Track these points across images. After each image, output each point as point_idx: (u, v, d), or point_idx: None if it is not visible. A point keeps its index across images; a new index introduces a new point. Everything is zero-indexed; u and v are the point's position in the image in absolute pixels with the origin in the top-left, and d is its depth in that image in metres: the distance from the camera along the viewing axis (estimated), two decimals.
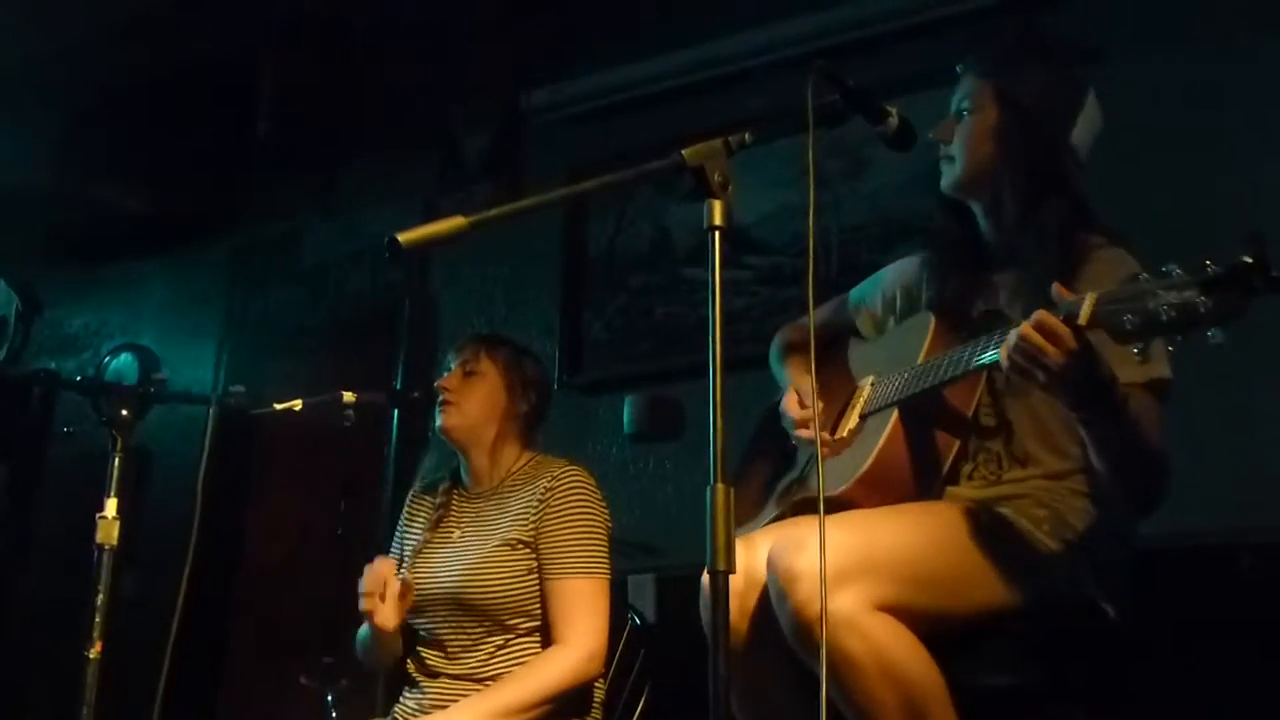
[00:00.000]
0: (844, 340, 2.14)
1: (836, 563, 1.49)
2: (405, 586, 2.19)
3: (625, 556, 2.78)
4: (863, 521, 1.66)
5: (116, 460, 1.94)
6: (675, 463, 3.48)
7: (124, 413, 1.94)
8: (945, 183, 1.93)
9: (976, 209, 1.94)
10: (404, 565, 2.33)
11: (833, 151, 3.29)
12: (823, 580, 1.42)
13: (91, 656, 1.83)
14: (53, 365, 4.99)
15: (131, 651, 2.09)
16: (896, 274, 2.11)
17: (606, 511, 2.26)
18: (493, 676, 2.16)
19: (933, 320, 1.88)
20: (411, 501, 2.45)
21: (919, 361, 1.81)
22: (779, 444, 2.08)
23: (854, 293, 2.18)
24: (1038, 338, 1.47)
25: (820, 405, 1.95)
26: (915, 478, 1.78)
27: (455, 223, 1.32)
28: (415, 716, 2.20)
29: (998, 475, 1.80)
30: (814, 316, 1.56)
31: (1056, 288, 1.51)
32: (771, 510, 1.95)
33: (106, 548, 1.89)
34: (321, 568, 3.12)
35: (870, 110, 1.61)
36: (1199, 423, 2.55)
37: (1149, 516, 1.74)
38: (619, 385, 3.60)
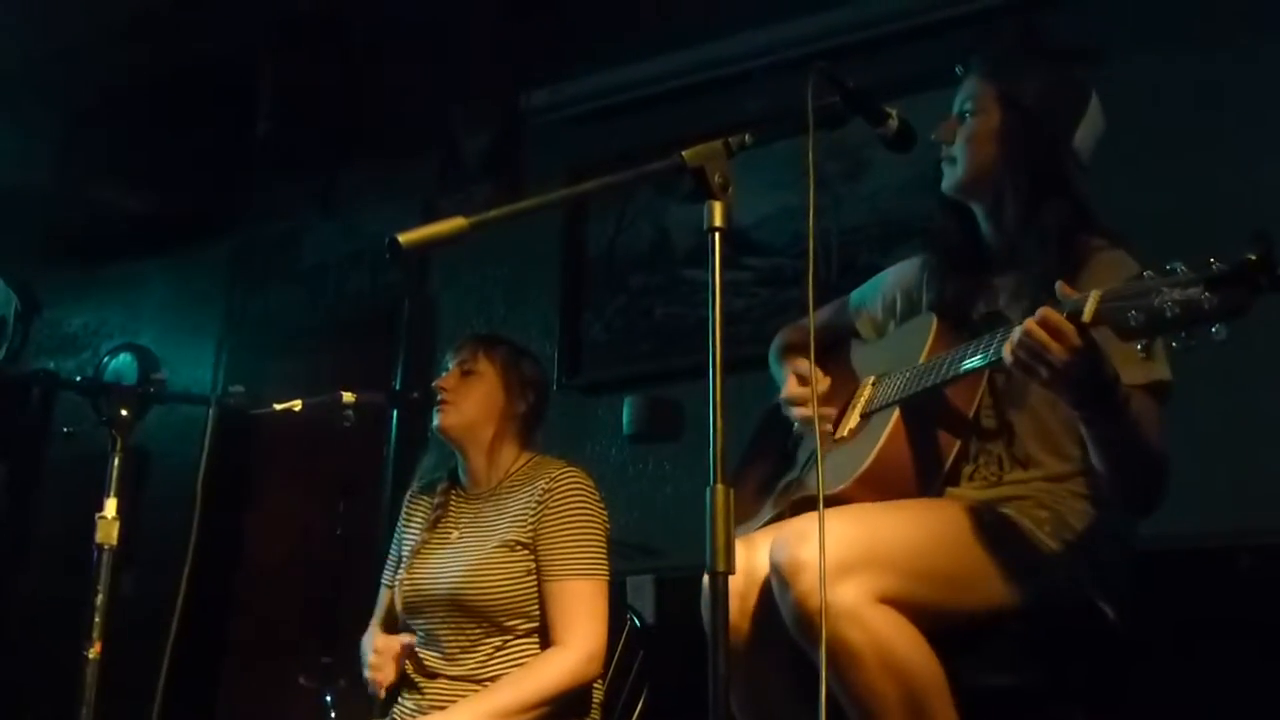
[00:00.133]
0: (845, 343, 2.14)
1: (839, 554, 1.50)
2: (404, 648, 2.19)
3: (624, 557, 2.78)
4: (866, 514, 1.67)
5: (116, 460, 1.94)
6: (674, 464, 3.49)
7: (123, 413, 1.94)
8: (947, 184, 1.93)
9: (978, 210, 1.94)
10: (402, 565, 2.33)
11: (832, 153, 3.30)
12: (822, 573, 1.42)
13: (91, 656, 1.83)
14: (52, 365, 5.00)
15: (130, 651, 2.09)
16: (896, 277, 2.11)
17: (605, 512, 2.25)
18: (491, 677, 2.16)
19: (934, 321, 1.88)
20: (409, 502, 2.45)
21: (921, 361, 1.81)
22: (778, 444, 2.09)
23: (854, 295, 2.18)
24: (1042, 334, 1.47)
25: (824, 385, 1.95)
26: (916, 477, 1.78)
27: (455, 223, 1.32)
28: (414, 717, 2.19)
29: (999, 476, 1.81)
30: (814, 318, 1.56)
31: (1060, 285, 1.51)
32: (770, 510, 1.95)
33: (106, 548, 1.89)
34: (321, 568, 3.11)
35: (870, 112, 1.61)
36: (1199, 424, 2.55)
37: (1148, 517, 1.75)
38: (618, 386, 3.61)
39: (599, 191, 1.49)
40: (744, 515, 1.96)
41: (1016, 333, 1.51)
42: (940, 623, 1.62)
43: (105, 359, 4.76)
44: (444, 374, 2.35)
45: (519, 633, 2.20)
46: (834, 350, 2.12)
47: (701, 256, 1.42)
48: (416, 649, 2.29)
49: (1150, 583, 1.80)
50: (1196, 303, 1.32)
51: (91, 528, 1.93)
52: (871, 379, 1.95)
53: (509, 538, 2.21)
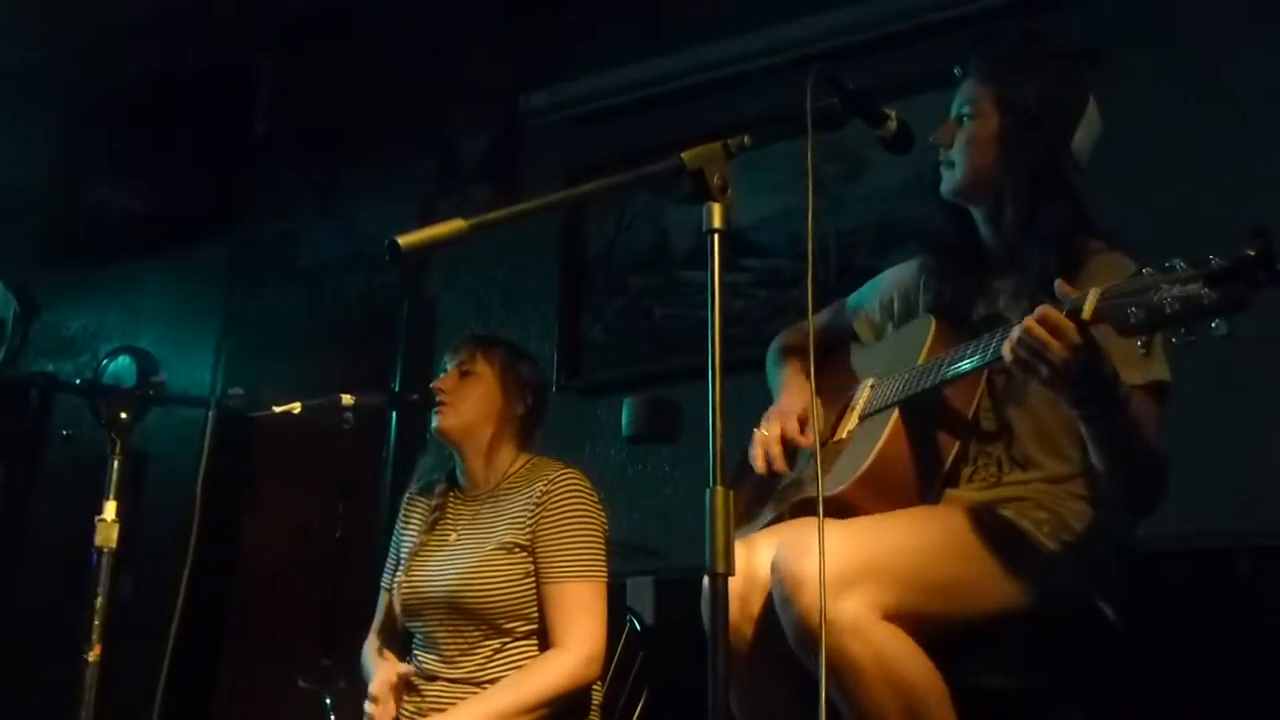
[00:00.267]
0: (843, 346, 2.14)
1: (840, 568, 1.50)
2: (401, 678, 2.18)
3: (623, 559, 2.78)
4: (866, 527, 1.66)
5: (115, 463, 1.94)
6: (674, 465, 3.49)
7: (123, 415, 1.94)
8: (945, 188, 1.93)
9: (977, 214, 1.94)
10: (400, 568, 2.33)
11: (831, 154, 3.30)
12: (821, 583, 1.42)
13: (90, 659, 1.83)
14: (50, 368, 4.99)
15: (129, 654, 2.09)
16: (894, 279, 2.11)
17: (603, 514, 2.25)
18: (491, 680, 2.16)
19: (933, 323, 1.88)
20: (407, 503, 2.44)
21: (919, 363, 1.81)
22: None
23: (851, 298, 2.18)
24: (1042, 332, 1.47)
25: (821, 415, 1.94)
26: (915, 478, 1.78)
27: (455, 225, 1.31)
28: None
29: (998, 478, 1.81)
30: (813, 320, 1.55)
31: (1059, 284, 1.51)
32: (770, 512, 1.95)
33: (105, 550, 1.88)
34: (319, 570, 3.10)
35: (869, 113, 1.61)
36: (1199, 426, 2.55)
37: (1147, 517, 1.75)
38: (617, 387, 3.60)
39: (598, 193, 1.49)
40: (744, 517, 1.96)
41: (1016, 331, 1.51)
42: (942, 631, 1.63)
43: (104, 361, 4.76)
44: (442, 375, 2.35)
45: (518, 635, 2.19)
46: (832, 353, 2.11)
47: (700, 258, 1.42)
48: (415, 651, 2.29)
49: (1150, 584, 1.80)
50: (1196, 298, 1.32)
51: (90, 530, 1.93)
52: (870, 381, 1.94)
53: (507, 540, 2.20)
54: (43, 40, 4.71)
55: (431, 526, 2.34)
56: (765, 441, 1.92)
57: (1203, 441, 2.56)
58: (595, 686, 2.21)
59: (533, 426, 2.39)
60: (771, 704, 1.73)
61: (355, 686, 2.37)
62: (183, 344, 4.69)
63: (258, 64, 4.56)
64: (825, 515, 1.44)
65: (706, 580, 1.56)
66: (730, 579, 1.30)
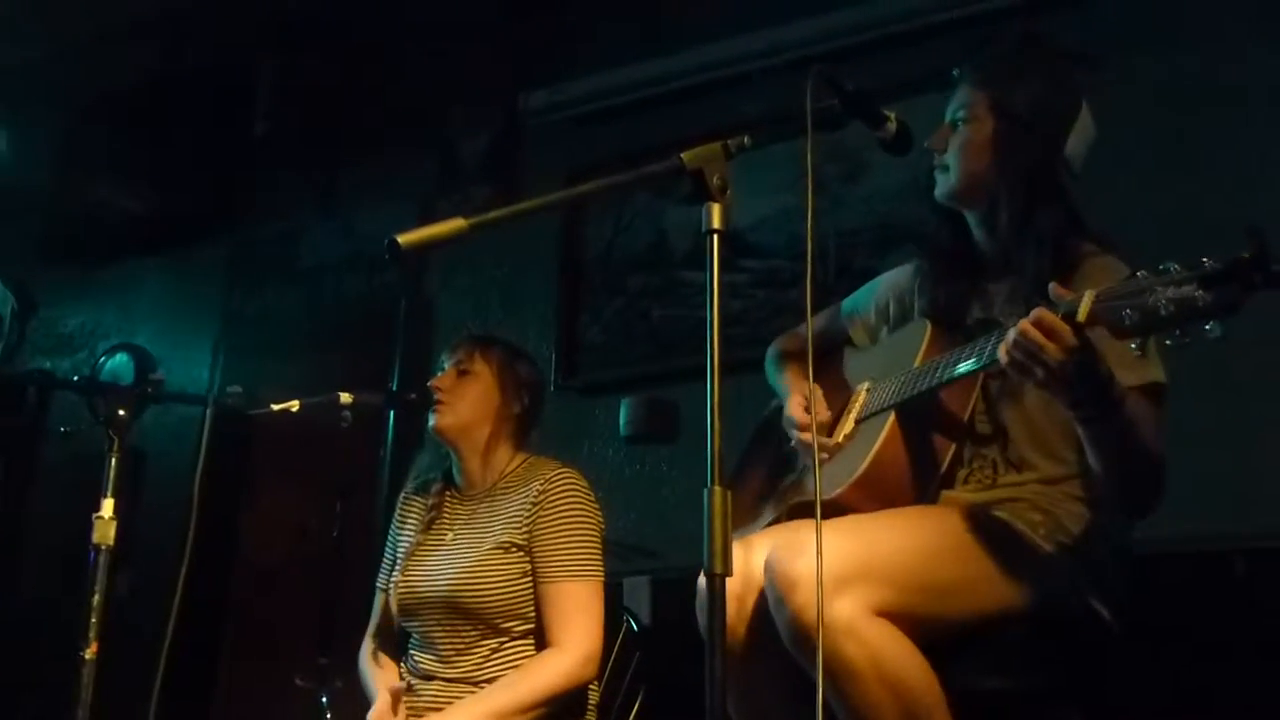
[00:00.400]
0: (839, 350, 2.14)
1: (835, 568, 1.50)
2: (395, 694, 2.18)
3: (621, 559, 2.78)
4: (862, 527, 1.66)
5: (113, 460, 1.93)
6: (671, 465, 3.49)
7: (121, 413, 1.94)
8: (940, 192, 1.94)
9: (971, 218, 1.94)
10: (396, 567, 2.32)
11: (830, 155, 3.30)
12: (819, 585, 1.42)
13: (87, 657, 1.83)
14: (48, 365, 4.99)
15: (126, 652, 2.09)
16: (889, 283, 2.12)
17: (600, 513, 2.25)
18: (488, 679, 2.16)
19: (928, 326, 1.88)
20: (403, 502, 2.44)
21: (915, 366, 1.82)
22: (776, 447, 2.09)
23: (846, 302, 2.19)
24: (1037, 334, 1.48)
25: (822, 416, 1.95)
26: (911, 480, 1.78)
27: (455, 225, 1.31)
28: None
29: (993, 480, 1.81)
30: (811, 321, 1.56)
31: (1054, 287, 1.51)
32: (769, 514, 1.95)
33: (103, 548, 1.88)
34: (317, 569, 3.10)
35: (869, 114, 1.61)
36: (1196, 428, 2.56)
37: (1144, 519, 1.75)
38: (615, 387, 3.60)
39: (598, 193, 1.49)
40: (741, 519, 1.96)
41: (1011, 333, 1.52)
42: (938, 632, 1.63)
43: (101, 359, 4.75)
44: (439, 374, 2.35)
45: (515, 634, 2.19)
46: (827, 358, 2.12)
47: (699, 258, 1.42)
48: (411, 651, 2.29)
49: (1146, 586, 1.80)
50: (1190, 300, 1.33)
51: (87, 528, 1.92)
52: (866, 385, 1.95)
53: (504, 539, 2.20)
54: (43, 40, 4.71)
55: (428, 526, 2.33)
56: (806, 446, 1.93)
57: (1199, 443, 2.56)
58: (592, 686, 2.21)
59: (530, 426, 2.39)
60: (768, 704, 1.73)
61: (352, 685, 2.37)
62: (181, 342, 4.69)
63: (258, 64, 4.56)
64: (822, 518, 1.45)
65: (701, 581, 1.57)
66: (728, 579, 1.30)
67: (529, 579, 2.18)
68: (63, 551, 3.11)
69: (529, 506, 2.21)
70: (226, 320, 4.64)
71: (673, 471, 3.48)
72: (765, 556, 1.67)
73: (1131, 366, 1.61)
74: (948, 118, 1.92)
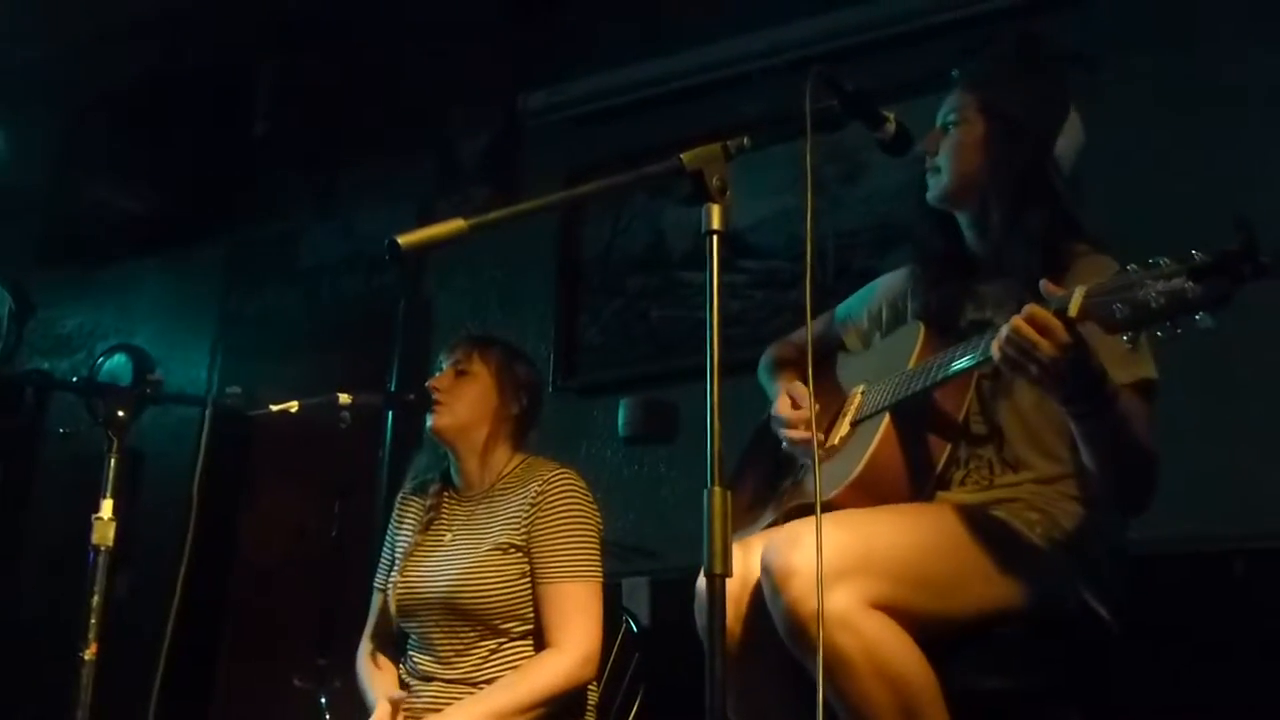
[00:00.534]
0: (832, 356, 2.15)
1: (832, 561, 1.50)
2: (395, 705, 2.18)
3: (620, 560, 2.78)
4: (860, 520, 1.67)
5: (112, 461, 1.93)
6: (670, 466, 3.49)
7: (120, 414, 1.93)
8: (932, 194, 1.96)
9: (963, 220, 1.96)
10: (395, 568, 2.32)
11: (829, 156, 3.30)
12: (819, 582, 1.42)
13: (86, 658, 1.83)
14: (46, 366, 4.99)
15: (125, 653, 2.08)
16: (882, 288, 2.13)
17: (598, 514, 2.25)
18: (487, 680, 2.16)
19: (922, 328, 1.89)
20: (401, 503, 2.44)
21: (909, 368, 1.82)
22: (774, 451, 2.09)
23: (839, 309, 2.20)
24: (1029, 330, 1.49)
25: (816, 407, 1.95)
26: (907, 482, 1.79)
27: (455, 225, 1.32)
28: None
29: (989, 480, 1.82)
30: (811, 322, 1.56)
31: (1045, 284, 1.53)
32: (768, 517, 1.96)
33: (102, 549, 1.88)
34: (316, 569, 3.10)
35: (868, 115, 1.61)
36: (1194, 429, 2.56)
37: (1139, 515, 1.75)
38: (614, 388, 3.61)
39: (597, 194, 1.49)
40: (741, 522, 1.96)
41: (1004, 330, 1.52)
42: (934, 628, 1.63)
43: (100, 360, 4.75)
44: (438, 374, 2.35)
45: (513, 635, 2.19)
46: (821, 364, 2.12)
47: (697, 259, 1.42)
48: (410, 652, 2.29)
49: (1146, 586, 1.81)
50: (1180, 293, 1.34)
51: (86, 529, 1.92)
52: (861, 388, 1.95)
53: (502, 540, 2.20)
54: (43, 40, 4.70)
55: (426, 527, 2.33)
56: (799, 442, 1.93)
57: (1198, 444, 2.57)
58: (591, 687, 2.21)
59: (528, 427, 2.39)
60: (767, 704, 1.73)
61: (351, 686, 2.37)
62: (179, 343, 4.69)
63: (257, 64, 4.56)
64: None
65: (700, 583, 1.57)
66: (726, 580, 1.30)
67: (528, 580, 2.18)
68: (62, 552, 3.11)
69: (527, 507, 2.21)
70: (225, 321, 4.64)
71: (671, 472, 3.48)
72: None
73: (1123, 364, 1.63)
74: (939, 121, 1.95)
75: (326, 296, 4.43)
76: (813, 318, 2.14)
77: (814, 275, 1.58)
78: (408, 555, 2.30)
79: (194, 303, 4.72)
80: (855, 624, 1.54)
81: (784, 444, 2.00)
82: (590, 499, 2.25)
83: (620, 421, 3.46)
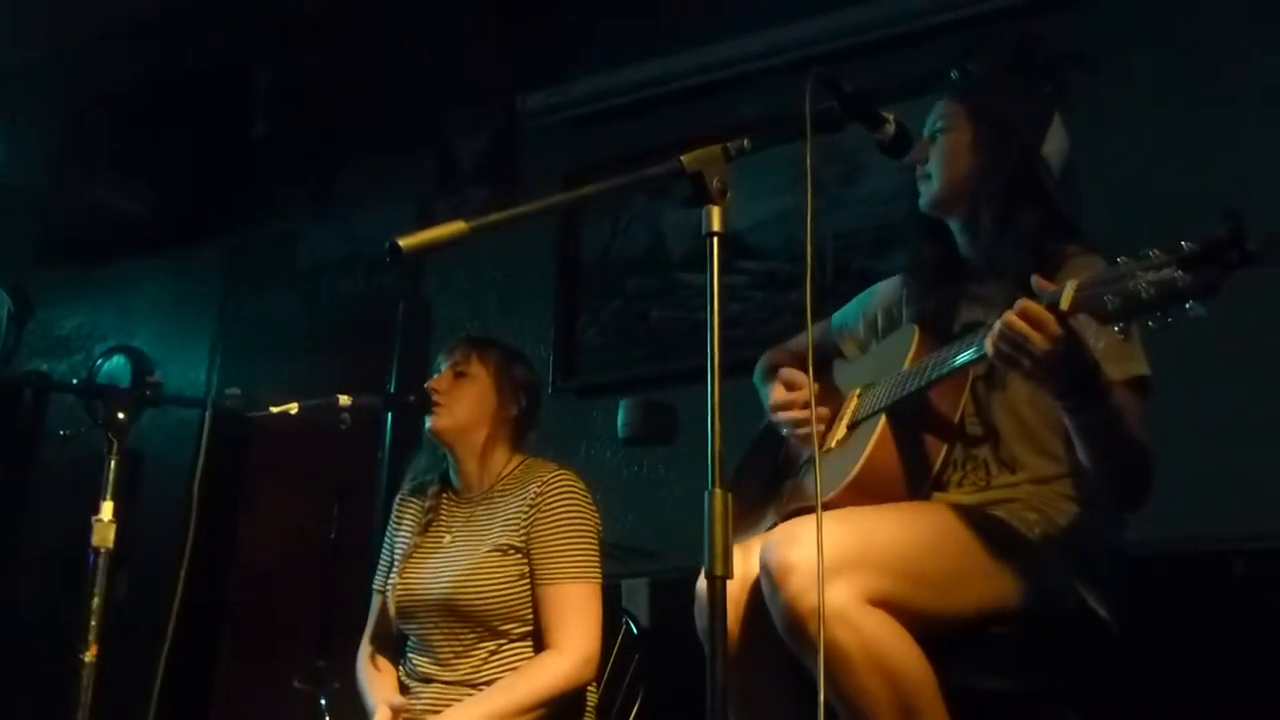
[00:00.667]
0: (828, 364, 2.16)
1: (831, 556, 1.50)
2: (396, 711, 2.18)
3: (619, 561, 2.78)
4: (859, 517, 1.67)
5: (112, 463, 1.93)
6: (669, 467, 3.49)
7: (120, 416, 1.93)
8: (924, 201, 1.98)
9: (954, 225, 1.97)
10: (394, 570, 2.32)
11: (828, 157, 3.31)
12: (820, 579, 1.42)
13: (87, 660, 1.82)
14: (44, 367, 4.98)
15: (125, 655, 2.08)
16: (878, 296, 2.15)
17: (597, 515, 2.25)
18: (487, 682, 2.16)
19: (916, 331, 1.91)
20: (399, 504, 2.44)
21: (905, 368, 1.83)
22: (774, 456, 2.09)
23: (836, 318, 2.22)
24: (1022, 325, 1.50)
25: (816, 388, 1.95)
26: (904, 483, 1.79)
27: (456, 228, 1.31)
28: None
29: (986, 481, 1.82)
30: (811, 324, 1.56)
31: (1036, 279, 1.54)
32: (771, 517, 1.96)
33: (103, 551, 1.88)
34: (315, 571, 3.11)
35: (868, 116, 1.61)
36: (1194, 429, 2.57)
37: (1135, 512, 1.76)
38: (613, 389, 3.60)
39: (598, 196, 1.49)
40: (742, 526, 1.96)
41: (997, 325, 1.54)
42: (932, 625, 1.63)
43: (98, 361, 4.75)
44: (436, 376, 2.35)
45: (513, 637, 2.19)
46: (818, 371, 2.13)
47: (696, 260, 1.42)
48: (409, 654, 2.29)
49: (1145, 586, 1.81)
50: (1170, 282, 1.35)
51: (85, 530, 1.92)
52: (857, 390, 1.96)
53: (502, 542, 2.20)
54: (41, 40, 4.70)
55: (425, 528, 2.33)
56: (795, 423, 1.95)
57: (1198, 444, 2.57)
58: (591, 688, 2.21)
59: (527, 428, 2.39)
60: (767, 705, 1.73)
61: (350, 687, 2.37)
62: (178, 344, 4.68)
63: (256, 65, 4.56)
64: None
65: (700, 585, 1.57)
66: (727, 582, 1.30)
67: (527, 581, 2.18)
68: (61, 554, 3.11)
69: (526, 508, 2.21)
70: (224, 322, 4.64)
71: (670, 473, 3.48)
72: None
73: (1117, 361, 1.64)
74: (926, 130, 1.97)
75: (326, 297, 4.43)
76: (812, 318, 2.15)
77: (814, 277, 1.58)
78: (407, 557, 2.30)
79: (193, 304, 4.72)
80: (853, 619, 1.55)
81: (784, 430, 2.00)
82: (589, 500, 2.25)
83: (619, 422, 3.46)
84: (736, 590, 1.69)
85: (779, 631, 1.61)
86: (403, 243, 1.30)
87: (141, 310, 4.85)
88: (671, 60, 3.72)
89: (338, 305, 4.38)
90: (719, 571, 1.27)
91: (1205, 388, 2.64)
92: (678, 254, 3.70)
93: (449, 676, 2.20)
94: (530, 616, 2.18)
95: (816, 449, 1.56)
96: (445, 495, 2.37)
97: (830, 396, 2.03)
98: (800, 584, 1.54)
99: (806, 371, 2.09)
